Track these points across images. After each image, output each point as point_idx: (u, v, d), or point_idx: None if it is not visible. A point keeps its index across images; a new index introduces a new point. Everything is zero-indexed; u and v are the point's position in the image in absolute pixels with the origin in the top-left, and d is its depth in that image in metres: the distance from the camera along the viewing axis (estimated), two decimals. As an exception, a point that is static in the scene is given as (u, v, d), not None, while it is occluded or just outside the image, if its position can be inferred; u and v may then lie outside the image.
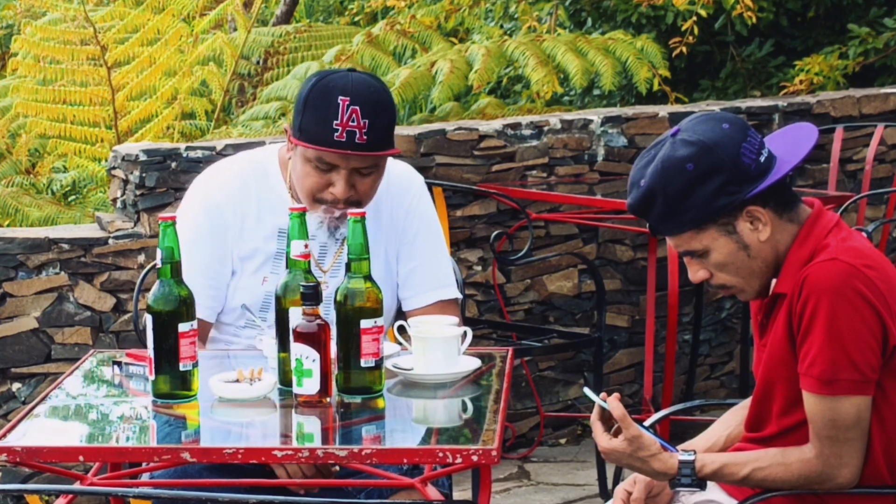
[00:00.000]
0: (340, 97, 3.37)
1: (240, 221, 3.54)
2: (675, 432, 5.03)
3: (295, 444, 2.89)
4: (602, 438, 2.98)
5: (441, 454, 2.75)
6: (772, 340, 2.99)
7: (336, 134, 3.37)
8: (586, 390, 3.06)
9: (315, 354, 2.95)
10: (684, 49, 7.49)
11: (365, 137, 3.38)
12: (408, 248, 3.65)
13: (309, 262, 3.11)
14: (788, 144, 3.04)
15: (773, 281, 3.02)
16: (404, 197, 3.66)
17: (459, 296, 3.73)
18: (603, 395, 3.00)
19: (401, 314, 3.70)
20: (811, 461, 2.93)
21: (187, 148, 5.38)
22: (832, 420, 2.89)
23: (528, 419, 5.95)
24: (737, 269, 2.99)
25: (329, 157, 3.41)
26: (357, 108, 3.37)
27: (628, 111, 6.18)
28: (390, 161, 3.72)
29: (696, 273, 3.03)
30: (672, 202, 2.96)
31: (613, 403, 2.96)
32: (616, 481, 4.78)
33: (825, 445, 2.91)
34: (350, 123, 3.37)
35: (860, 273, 2.87)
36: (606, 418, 3.00)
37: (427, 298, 3.65)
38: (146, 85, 7.56)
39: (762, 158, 2.95)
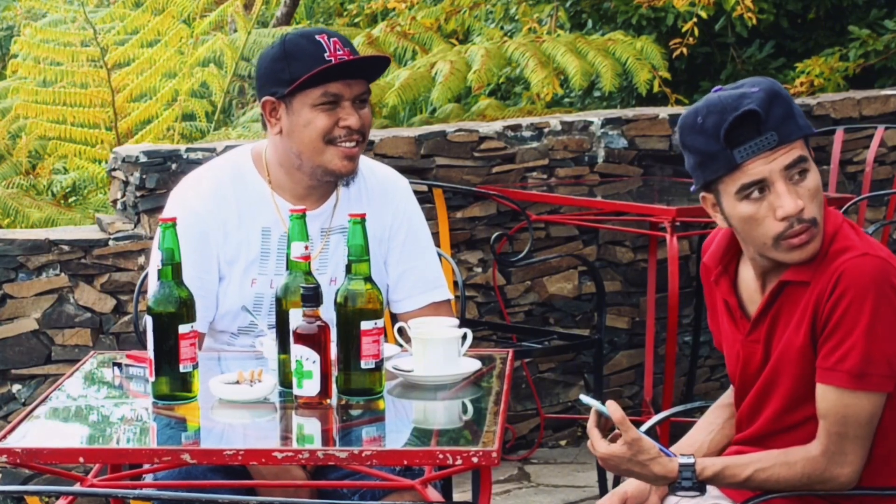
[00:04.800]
0: (317, 36, 3.51)
1: (222, 227, 3.55)
2: (676, 434, 5.02)
3: (295, 445, 2.89)
4: (600, 445, 2.96)
5: (441, 456, 2.74)
6: (789, 334, 2.96)
7: (332, 63, 3.48)
8: (583, 397, 3.04)
9: (315, 356, 2.95)
10: (684, 50, 7.49)
11: (354, 58, 3.51)
12: (397, 252, 3.66)
13: (309, 263, 3.12)
14: None
15: (758, 273, 3.00)
16: (390, 201, 3.67)
17: (451, 297, 3.74)
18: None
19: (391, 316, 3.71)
20: (816, 458, 2.92)
21: (188, 149, 5.38)
22: (845, 416, 2.88)
23: (528, 421, 5.95)
24: (820, 203, 2.94)
25: (335, 87, 3.48)
26: (336, 39, 3.52)
27: (629, 113, 6.18)
28: (374, 163, 3.73)
29: (798, 199, 2.89)
30: (791, 102, 2.91)
31: (612, 406, 2.95)
32: (616, 482, 4.77)
33: (833, 442, 2.90)
34: (338, 52, 3.48)
35: (893, 268, 2.88)
36: (603, 426, 2.99)
37: (419, 301, 3.66)
38: (146, 86, 7.57)
39: None
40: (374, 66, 3.58)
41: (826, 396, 2.90)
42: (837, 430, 2.90)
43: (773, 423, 3.02)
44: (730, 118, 2.87)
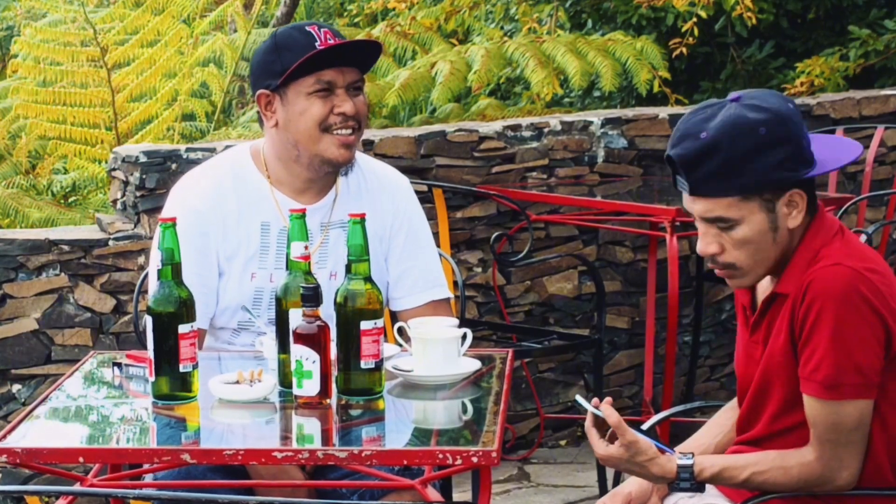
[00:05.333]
0: (308, 27, 3.52)
1: (221, 223, 3.55)
2: (676, 434, 5.02)
3: (295, 445, 2.89)
4: (598, 445, 2.97)
5: (441, 455, 2.74)
6: (772, 342, 2.98)
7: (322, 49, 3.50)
8: (578, 398, 3.04)
9: (315, 356, 2.95)
10: (684, 50, 7.49)
11: (342, 42, 3.52)
12: (398, 251, 3.66)
13: (309, 263, 3.12)
14: (825, 148, 3.00)
15: (769, 278, 3.01)
16: (391, 200, 3.67)
17: (451, 295, 3.74)
18: (595, 401, 2.99)
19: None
20: (811, 464, 2.92)
21: (188, 149, 5.38)
22: (834, 424, 2.89)
23: (527, 421, 5.95)
24: (755, 251, 2.92)
25: (328, 74, 3.50)
26: (327, 30, 3.53)
27: (628, 113, 6.18)
28: (375, 162, 3.73)
29: (709, 246, 2.94)
30: (733, 161, 2.85)
31: (608, 410, 2.94)
32: (616, 482, 4.77)
33: (826, 449, 2.91)
34: (329, 41, 3.49)
35: (864, 277, 2.86)
36: (600, 424, 2.98)
37: (419, 299, 3.67)
38: (146, 86, 7.56)
39: (811, 148, 2.93)
40: (366, 54, 3.58)
41: (811, 405, 2.91)
42: (828, 438, 2.90)
43: (769, 427, 3.03)
44: (668, 151, 2.92)
